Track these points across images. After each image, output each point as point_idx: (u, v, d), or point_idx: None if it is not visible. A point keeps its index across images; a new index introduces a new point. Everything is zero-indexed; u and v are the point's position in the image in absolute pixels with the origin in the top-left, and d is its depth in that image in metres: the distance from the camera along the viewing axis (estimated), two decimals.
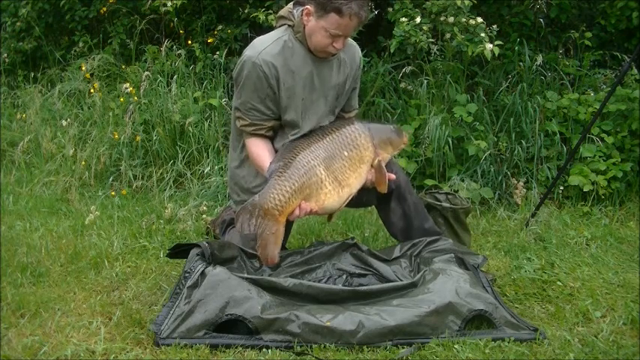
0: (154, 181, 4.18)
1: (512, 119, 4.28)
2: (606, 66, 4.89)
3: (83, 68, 4.91)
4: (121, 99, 4.58)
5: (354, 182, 2.67)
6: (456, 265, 2.67)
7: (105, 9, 5.20)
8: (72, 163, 4.39)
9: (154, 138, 4.32)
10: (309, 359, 2.28)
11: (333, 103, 2.93)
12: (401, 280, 2.73)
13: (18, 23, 5.54)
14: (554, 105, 4.35)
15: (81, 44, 5.27)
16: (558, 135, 4.23)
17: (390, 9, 4.40)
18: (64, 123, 4.61)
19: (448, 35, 4.22)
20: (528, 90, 4.43)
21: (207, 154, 4.26)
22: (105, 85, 4.92)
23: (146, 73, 4.54)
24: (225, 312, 2.36)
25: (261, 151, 2.80)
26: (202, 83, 4.66)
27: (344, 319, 2.35)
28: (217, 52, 4.71)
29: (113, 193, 4.10)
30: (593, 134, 4.19)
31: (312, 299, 2.49)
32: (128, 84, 4.59)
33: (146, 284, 2.87)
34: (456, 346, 2.33)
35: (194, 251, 2.66)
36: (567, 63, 4.66)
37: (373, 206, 3.14)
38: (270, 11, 4.44)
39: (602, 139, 4.19)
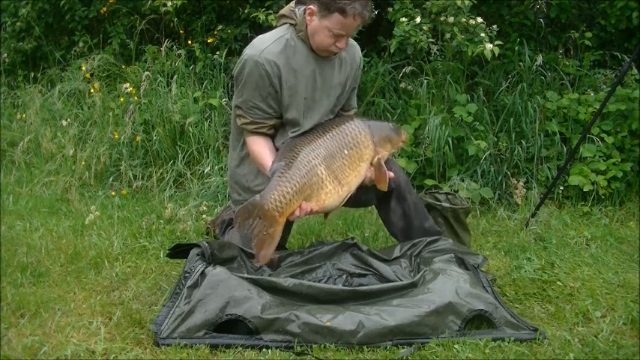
0: (154, 181, 4.18)
1: (512, 119, 4.28)
2: (606, 66, 4.89)
3: (83, 68, 4.91)
4: (121, 99, 4.58)
5: (354, 181, 2.67)
6: (456, 265, 2.67)
7: (105, 9, 5.20)
8: (72, 163, 4.39)
9: (154, 138, 4.32)
10: (309, 359, 2.28)
11: (334, 102, 2.93)
12: (401, 280, 2.73)
13: (18, 23, 5.54)
14: (554, 105, 4.35)
15: (81, 44, 5.27)
16: (558, 135, 4.23)
17: (390, 9, 4.40)
18: (64, 123, 4.61)
19: (448, 35, 4.22)
20: (528, 90, 4.43)
21: (207, 154, 4.26)
22: (105, 85, 4.92)
23: (146, 73, 4.54)
24: (225, 312, 2.36)
25: (262, 149, 2.80)
26: (202, 83, 4.66)
27: (344, 319, 2.35)
28: (217, 52, 4.72)
29: (113, 193, 4.10)
30: (593, 134, 4.19)
31: (312, 299, 2.49)
32: (128, 84, 4.59)
33: (146, 284, 2.87)
34: (456, 346, 2.33)
35: (194, 251, 2.66)
36: (567, 63, 4.66)
37: (373, 206, 3.14)
38: (270, 11, 4.44)
39: (602, 139, 4.19)
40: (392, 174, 2.79)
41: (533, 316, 2.67)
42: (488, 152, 4.10)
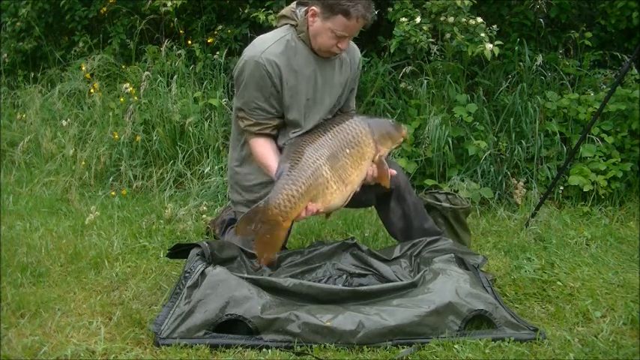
0: (154, 181, 4.18)
1: (512, 119, 4.28)
2: (606, 66, 4.89)
3: (83, 68, 4.91)
4: (121, 99, 4.58)
5: (356, 179, 2.66)
6: (456, 265, 2.67)
7: (105, 9, 5.20)
8: (72, 163, 4.39)
9: (154, 138, 4.32)
10: (309, 359, 2.28)
11: (334, 103, 2.93)
12: (401, 280, 2.73)
13: (18, 23, 5.54)
14: (554, 105, 4.35)
15: (81, 44, 5.27)
16: (558, 135, 4.23)
17: (390, 9, 4.40)
18: (64, 123, 4.61)
19: (448, 35, 4.22)
20: (528, 90, 4.43)
21: (207, 154, 4.26)
22: (105, 85, 4.92)
23: (146, 73, 4.54)
24: (225, 312, 2.36)
25: (265, 150, 2.79)
26: (202, 83, 4.66)
27: (344, 319, 2.35)
28: (217, 52, 4.72)
29: (113, 193, 4.10)
30: (593, 134, 4.19)
31: (312, 299, 2.49)
32: (128, 84, 4.59)
33: (146, 284, 2.87)
34: (456, 346, 2.33)
35: (194, 251, 2.66)
36: (567, 63, 4.66)
37: (373, 206, 3.14)
38: (270, 11, 4.44)
39: (602, 139, 4.19)
40: (394, 171, 2.79)
41: (533, 316, 2.67)
42: (488, 152, 4.10)
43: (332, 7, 2.65)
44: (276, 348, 2.32)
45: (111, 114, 4.54)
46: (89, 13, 5.25)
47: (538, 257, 3.25)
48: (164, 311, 2.43)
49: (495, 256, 3.30)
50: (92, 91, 4.77)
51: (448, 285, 2.48)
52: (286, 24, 2.85)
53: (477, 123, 4.23)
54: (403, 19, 4.15)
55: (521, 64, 4.58)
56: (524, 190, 4.00)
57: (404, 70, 4.41)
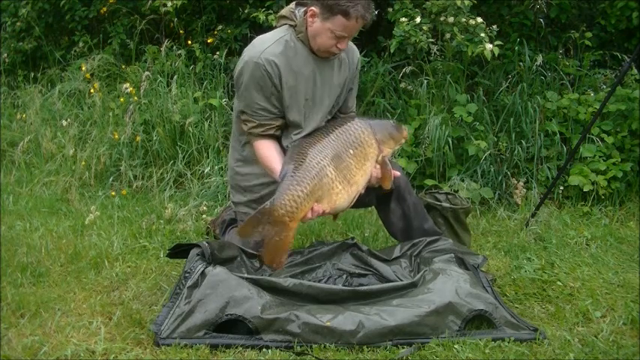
0: (154, 181, 4.18)
1: (512, 119, 4.28)
2: (606, 66, 4.89)
3: (83, 68, 4.91)
4: (121, 99, 4.58)
5: (361, 180, 2.65)
6: (456, 265, 2.67)
7: (105, 9, 5.20)
8: (72, 163, 4.39)
9: (154, 138, 4.32)
10: (309, 359, 2.28)
11: (332, 104, 2.93)
12: (401, 280, 2.73)
13: (18, 23, 5.54)
14: (554, 105, 4.35)
15: (81, 44, 5.27)
16: (558, 135, 4.23)
17: (390, 9, 4.40)
18: (64, 123, 4.61)
19: (448, 35, 4.23)
20: (528, 90, 4.42)
21: (207, 154, 4.26)
22: (105, 85, 4.92)
23: (146, 73, 4.54)
24: (225, 312, 2.36)
25: (270, 152, 2.78)
26: (202, 83, 4.66)
27: (344, 319, 2.35)
28: (217, 52, 4.72)
29: (113, 193, 4.10)
30: (593, 134, 4.19)
31: (312, 299, 2.49)
32: (128, 84, 4.59)
33: (146, 284, 2.87)
34: (456, 346, 2.33)
35: (194, 251, 2.66)
36: (567, 63, 4.66)
37: (373, 206, 3.14)
38: (270, 11, 4.44)
39: (602, 139, 4.19)
40: (397, 173, 2.78)
41: (533, 316, 2.67)
42: (488, 152, 4.10)
43: (331, 8, 2.65)
44: (276, 348, 2.32)
45: (111, 114, 4.54)
46: (89, 13, 5.25)
47: (538, 257, 3.25)
48: (164, 311, 2.43)
49: (495, 256, 3.30)
50: (92, 91, 4.77)
51: (448, 285, 2.48)
52: (285, 24, 2.85)
53: (477, 123, 4.23)
54: (403, 19, 4.15)
55: (521, 64, 4.58)
56: (524, 190, 4.00)
57: (404, 70, 4.41)
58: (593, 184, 4.02)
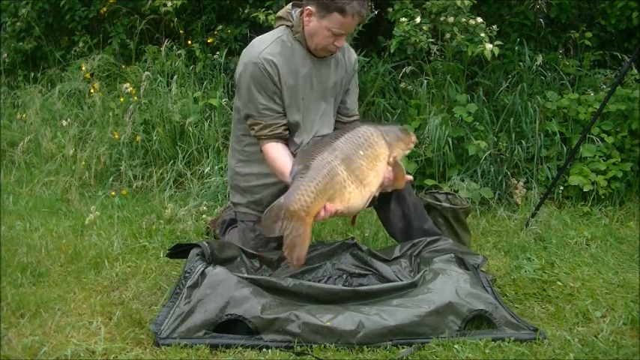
0: (154, 181, 4.18)
1: (512, 119, 4.28)
2: (606, 66, 4.89)
3: (83, 68, 4.91)
4: (121, 99, 4.58)
5: (374, 181, 2.64)
6: (456, 265, 2.67)
7: (105, 9, 5.20)
8: (72, 163, 4.39)
9: (154, 138, 4.32)
10: (309, 359, 2.28)
11: (330, 103, 2.94)
12: (401, 280, 2.73)
13: (18, 23, 5.54)
14: (554, 105, 4.35)
15: (81, 44, 5.27)
16: (558, 135, 4.23)
17: (390, 9, 4.40)
18: (64, 123, 4.61)
19: (448, 35, 4.23)
20: (528, 90, 4.43)
21: (207, 154, 4.26)
22: (105, 85, 4.92)
23: (146, 73, 4.54)
24: (225, 312, 2.36)
25: (279, 154, 2.77)
26: (202, 83, 4.66)
27: (344, 319, 2.35)
28: (217, 52, 4.72)
29: (113, 193, 4.10)
30: (593, 134, 4.19)
31: (312, 299, 2.49)
32: (128, 84, 4.59)
33: (146, 284, 2.87)
34: (456, 346, 2.33)
35: (194, 251, 2.66)
36: (567, 63, 4.66)
37: (373, 206, 3.13)
38: (270, 11, 4.44)
39: (602, 139, 4.19)
40: (409, 176, 2.77)
41: (533, 316, 2.67)
42: (488, 152, 4.10)
43: (327, 6, 2.66)
44: (276, 348, 2.32)
45: (111, 114, 4.54)
46: (89, 13, 5.25)
47: (538, 257, 3.25)
48: (164, 311, 2.43)
49: (495, 256, 3.30)
50: (92, 91, 4.77)
51: (448, 285, 2.48)
52: (282, 25, 2.86)
53: (477, 123, 4.23)
54: (403, 19, 4.15)
55: (521, 64, 4.59)
56: (524, 190, 4.00)
57: (404, 70, 4.41)
58: (593, 184, 4.02)
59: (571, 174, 4.08)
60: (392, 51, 4.31)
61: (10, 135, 4.91)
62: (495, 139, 4.23)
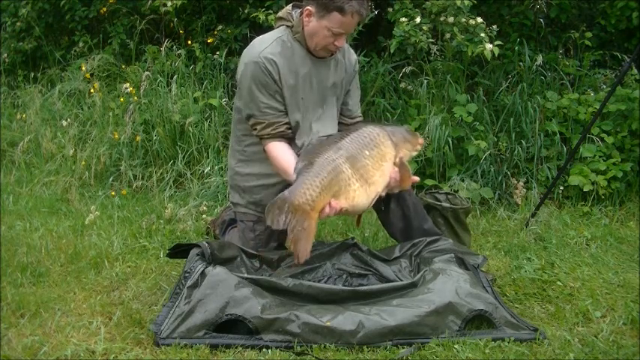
0: (154, 181, 4.18)
1: (512, 119, 4.28)
2: (606, 66, 4.90)
3: (83, 68, 4.91)
4: (121, 99, 4.58)
5: (380, 180, 2.63)
6: (456, 265, 2.67)
7: (105, 9, 5.20)
8: (72, 163, 4.39)
9: (154, 138, 4.32)
10: (309, 359, 2.28)
11: (331, 104, 2.94)
12: (401, 280, 2.72)
13: (18, 23, 5.54)
14: (554, 105, 4.35)
15: (81, 44, 5.27)
16: (558, 135, 4.23)
17: (390, 9, 4.40)
18: (64, 123, 4.62)
19: (448, 35, 4.23)
20: (528, 90, 4.43)
21: (207, 154, 4.26)
22: (105, 85, 4.93)
23: (146, 73, 4.54)
24: (225, 312, 2.36)
25: (283, 153, 2.76)
26: (202, 83, 4.66)
27: (344, 319, 2.35)
28: (217, 52, 4.72)
29: (113, 193, 4.10)
30: (593, 134, 4.19)
31: (312, 299, 2.49)
32: (128, 84, 4.60)
33: (146, 284, 2.87)
34: (456, 346, 2.33)
35: (194, 251, 2.66)
36: (567, 63, 4.66)
37: (373, 207, 3.13)
38: (270, 11, 4.44)
39: (602, 139, 4.19)
40: (416, 178, 2.75)
41: (533, 316, 2.67)
42: (488, 152, 4.10)
43: (326, 5, 2.66)
44: (276, 348, 2.32)
45: (111, 114, 4.54)
46: (89, 13, 5.25)
47: (538, 257, 3.25)
48: (164, 311, 2.43)
49: (495, 256, 3.30)
50: (92, 91, 4.77)
51: (448, 285, 2.48)
52: (282, 25, 2.87)
53: (477, 123, 4.23)
54: (403, 19, 4.16)
55: (521, 64, 4.59)
56: (524, 190, 4.00)
57: (404, 70, 4.41)
58: (593, 184, 4.02)
59: (571, 174, 4.08)
60: (392, 51, 4.31)
61: (10, 135, 4.91)
62: (495, 139, 4.23)
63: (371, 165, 2.59)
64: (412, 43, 4.14)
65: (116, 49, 5.09)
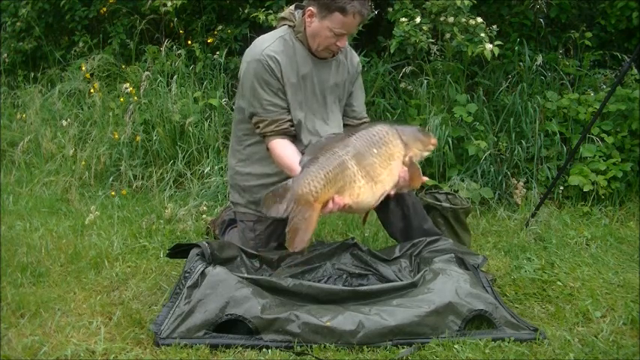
0: (154, 181, 4.18)
1: (512, 119, 4.28)
2: (606, 66, 4.90)
3: (83, 68, 4.91)
4: (121, 99, 4.58)
5: (387, 179, 2.61)
6: (456, 265, 2.67)
7: (105, 9, 5.20)
8: (72, 163, 4.39)
9: (154, 138, 4.32)
10: (309, 359, 2.28)
11: (332, 104, 2.94)
12: (401, 280, 2.72)
13: (18, 23, 5.55)
14: (554, 105, 4.35)
15: (81, 44, 5.27)
16: (558, 135, 4.23)
17: (390, 9, 4.40)
18: (64, 123, 4.62)
19: (448, 35, 4.23)
20: (528, 90, 4.43)
21: (207, 154, 4.26)
22: (105, 85, 4.93)
23: (146, 73, 4.54)
24: (225, 312, 2.36)
25: (286, 150, 2.75)
26: (202, 83, 4.66)
27: (344, 319, 2.35)
28: (217, 52, 4.72)
29: (113, 193, 4.10)
30: (593, 134, 4.19)
31: (312, 299, 2.49)
32: (128, 84, 4.60)
33: (146, 284, 2.87)
34: (456, 346, 2.33)
35: (194, 251, 2.66)
36: (567, 63, 4.66)
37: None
38: (270, 11, 4.44)
39: (602, 139, 4.19)
40: (425, 178, 2.75)
41: (533, 316, 2.67)
42: (488, 152, 4.10)
43: (328, 6, 2.68)
44: (276, 348, 2.32)
45: (111, 114, 4.54)
46: (89, 13, 5.25)
47: (538, 257, 3.25)
48: (164, 311, 2.43)
49: (495, 256, 3.30)
50: (92, 91, 4.77)
51: (448, 285, 2.48)
52: (285, 25, 2.88)
53: (477, 123, 4.23)
54: (403, 19, 4.16)
55: (521, 64, 4.59)
56: (524, 190, 4.00)
57: (404, 70, 4.41)
58: (593, 184, 4.02)
59: (571, 174, 4.08)
60: (392, 51, 4.31)
61: (10, 135, 4.91)
62: (495, 139, 4.23)
63: (378, 163, 2.58)
64: (412, 43, 4.14)
65: (116, 49, 5.09)
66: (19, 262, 3.01)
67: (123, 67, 4.98)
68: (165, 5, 4.70)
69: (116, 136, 4.38)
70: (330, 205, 2.50)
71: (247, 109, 2.85)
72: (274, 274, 2.79)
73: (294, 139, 2.83)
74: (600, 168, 4.07)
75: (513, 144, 4.20)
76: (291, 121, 2.81)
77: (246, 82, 2.81)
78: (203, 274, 2.47)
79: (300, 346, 2.32)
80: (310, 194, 2.44)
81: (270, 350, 2.31)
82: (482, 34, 4.12)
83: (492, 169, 4.13)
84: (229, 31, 4.83)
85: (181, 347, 2.31)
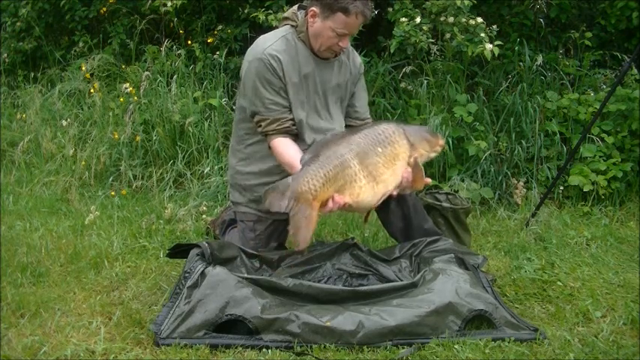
0: (154, 181, 4.18)
1: (512, 119, 4.28)
2: (606, 66, 4.90)
3: (83, 68, 4.91)
4: (121, 99, 4.58)
5: (390, 179, 2.60)
6: (456, 265, 2.66)
7: (105, 9, 5.20)
8: (72, 163, 4.39)
9: (154, 138, 4.32)
10: (309, 359, 2.28)
11: (334, 105, 2.94)
12: (401, 281, 2.72)
13: (18, 23, 5.55)
14: (554, 105, 4.35)
15: (81, 44, 5.27)
16: (558, 135, 4.23)
17: (390, 9, 4.41)
18: (64, 123, 4.62)
19: (448, 35, 4.23)
20: (528, 90, 4.43)
21: (207, 154, 4.26)
22: (105, 85, 4.93)
23: (146, 73, 4.54)
24: (225, 312, 2.36)
25: (288, 149, 2.75)
26: (202, 83, 4.66)
27: (344, 319, 2.35)
28: (217, 52, 4.72)
29: (113, 193, 4.10)
30: (593, 134, 4.19)
31: (312, 299, 2.49)
32: (128, 84, 4.60)
33: (146, 284, 2.87)
34: (456, 346, 2.33)
35: (194, 251, 2.66)
36: (567, 63, 4.66)
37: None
38: (270, 11, 4.44)
39: (602, 139, 4.19)
40: (428, 180, 2.74)
41: (533, 316, 2.67)
42: (489, 152, 4.10)
43: (331, 6, 2.68)
44: (276, 348, 2.32)
45: (111, 114, 4.54)
46: (89, 13, 5.26)
47: (538, 257, 3.25)
48: (164, 311, 2.43)
49: (495, 256, 3.30)
50: (92, 91, 4.77)
51: (448, 285, 2.48)
52: (287, 24, 2.88)
53: (477, 123, 4.23)
54: (403, 19, 4.16)
55: (521, 64, 4.59)
56: (524, 190, 4.00)
57: (404, 70, 4.41)
58: (593, 184, 4.02)
59: (571, 174, 4.08)
60: (392, 51, 4.31)
61: (10, 135, 4.91)
62: (495, 139, 4.23)
63: (382, 163, 2.56)
64: (412, 43, 4.15)
65: (116, 49, 5.09)
66: (19, 262, 3.01)
67: (123, 67, 4.98)
68: (165, 5, 4.70)
69: (116, 136, 4.38)
70: (330, 204, 2.49)
71: (249, 107, 2.85)
72: (274, 274, 2.79)
73: (296, 137, 2.83)
74: (600, 168, 4.07)
75: (513, 144, 4.20)
76: (292, 120, 2.81)
77: (247, 81, 2.81)
78: (203, 274, 2.47)
79: (300, 346, 2.32)
80: (309, 192, 2.44)
81: (270, 350, 2.31)
82: (483, 34, 4.12)
83: (492, 169, 4.13)
84: (229, 31, 4.83)
85: (181, 347, 2.31)
